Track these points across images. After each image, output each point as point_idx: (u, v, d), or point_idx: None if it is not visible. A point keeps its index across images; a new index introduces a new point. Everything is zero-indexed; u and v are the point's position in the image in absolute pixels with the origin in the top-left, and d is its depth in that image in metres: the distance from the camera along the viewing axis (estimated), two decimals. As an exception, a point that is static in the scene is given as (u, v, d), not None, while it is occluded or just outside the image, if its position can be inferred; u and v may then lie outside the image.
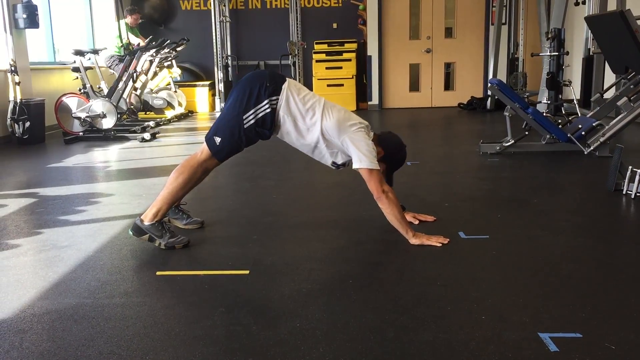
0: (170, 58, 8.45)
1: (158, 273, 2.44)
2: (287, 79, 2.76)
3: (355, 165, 2.70)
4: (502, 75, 9.44)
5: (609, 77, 6.65)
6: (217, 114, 9.50)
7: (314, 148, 2.78)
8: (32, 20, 6.63)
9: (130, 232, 2.76)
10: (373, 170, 2.66)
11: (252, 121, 2.67)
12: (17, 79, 6.37)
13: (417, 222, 3.04)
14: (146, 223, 2.72)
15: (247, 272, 2.42)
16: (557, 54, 5.77)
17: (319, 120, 2.70)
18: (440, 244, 2.68)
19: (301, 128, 2.72)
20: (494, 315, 1.96)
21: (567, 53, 6.01)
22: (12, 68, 6.37)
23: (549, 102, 5.88)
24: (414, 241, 2.70)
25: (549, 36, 5.84)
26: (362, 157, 2.65)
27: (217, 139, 2.69)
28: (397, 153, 2.92)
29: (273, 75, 2.75)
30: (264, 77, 2.72)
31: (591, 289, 2.19)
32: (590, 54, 7.16)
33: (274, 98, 2.67)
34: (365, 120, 2.83)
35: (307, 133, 2.73)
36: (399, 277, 2.38)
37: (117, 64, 7.78)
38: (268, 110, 2.67)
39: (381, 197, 2.68)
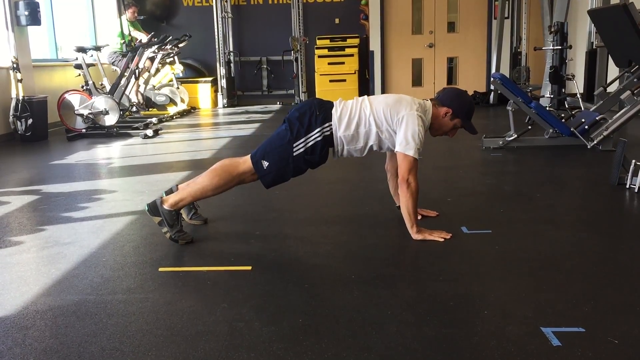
0: (172, 54, 8.44)
1: (160, 269, 2.44)
2: (334, 103, 2.79)
3: (396, 148, 2.69)
4: (505, 70, 9.41)
5: (613, 70, 6.63)
6: (220, 110, 9.51)
7: (379, 143, 2.77)
8: (34, 18, 6.64)
9: (146, 207, 2.75)
10: (409, 157, 2.65)
11: (302, 149, 2.70)
12: (19, 76, 6.37)
13: (420, 217, 3.04)
14: (165, 207, 2.71)
15: (249, 268, 2.42)
16: (560, 47, 5.75)
17: (372, 120, 2.71)
18: (443, 239, 2.67)
19: (361, 137, 2.74)
20: (496, 310, 1.96)
21: (570, 47, 5.99)
22: (14, 65, 6.38)
23: (552, 96, 5.87)
24: (416, 236, 2.70)
25: (552, 30, 5.82)
26: (404, 141, 2.65)
27: (265, 163, 2.71)
28: (463, 102, 2.85)
29: (322, 103, 2.78)
30: (313, 106, 2.75)
31: (594, 284, 2.19)
32: (594, 47, 7.13)
33: (326, 125, 2.71)
34: (420, 99, 2.81)
35: (368, 137, 2.74)
36: (401, 273, 2.38)
37: (119, 60, 7.79)
38: (319, 138, 2.70)
39: (404, 184, 2.67)
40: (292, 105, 10.05)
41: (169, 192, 2.92)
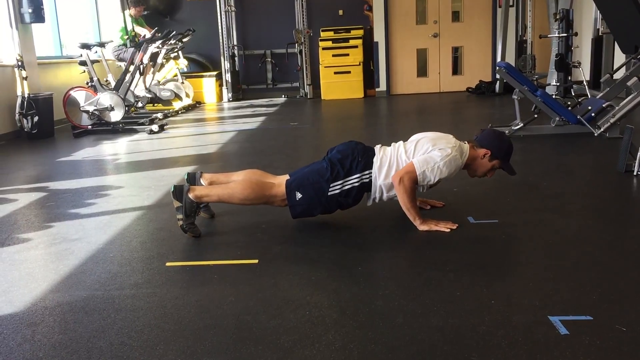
0: (176, 49, 8.44)
1: (167, 264, 2.45)
2: (375, 149, 2.82)
3: (413, 158, 2.72)
4: (511, 58, 9.35)
5: (619, 57, 6.57)
6: (225, 104, 9.51)
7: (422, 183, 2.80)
8: (38, 15, 6.64)
9: (172, 188, 2.77)
10: (413, 171, 2.66)
11: (338, 191, 2.74)
12: (24, 73, 6.39)
13: (427, 207, 3.03)
14: (191, 195, 2.73)
15: (256, 261, 2.43)
16: (565, 35, 5.71)
17: (411, 157, 2.74)
18: (449, 230, 2.67)
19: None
20: (503, 300, 1.96)
21: (576, 34, 5.94)
22: (19, 63, 6.40)
23: (558, 84, 5.84)
24: (422, 227, 2.70)
25: (557, 17, 5.77)
26: (424, 164, 2.66)
27: (298, 195, 2.74)
28: (502, 144, 2.84)
29: (365, 150, 2.81)
30: (355, 151, 2.79)
31: (602, 272, 2.18)
32: (600, 34, 7.08)
33: (366, 173, 2.75)
34: (457, 141, 2.82)
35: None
36: (408, 264, 2.38)
37: (124, 52, 7.79)
38: (357, 184, 2.75)
39: (396, 179, 2.68)
40: (297, 97, 10.05)
41: (192, 176, 2.97)
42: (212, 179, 2.99)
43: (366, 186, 2.77)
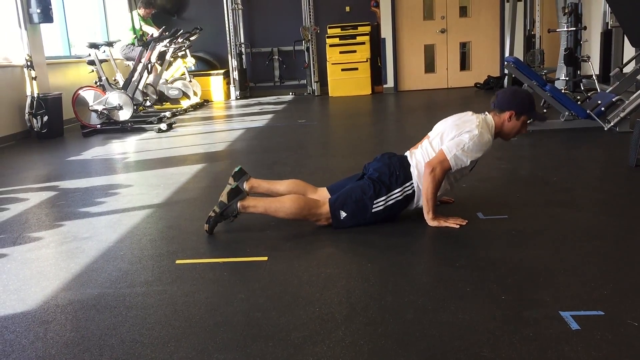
0: (184, 48, 8.46)
1: (177, 261, 2.46)
2: (406, 157, 2.83)
3: (443, 145, 2.72)
4: (519, 53, 9.30)
5: (629, 51, 6.52)
6: (232, 102, 9.52)
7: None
8: (46, 15, 6.67)
9: (233, 186, 2.80)
10: (445, 159, 2.67)
11: (382, 207, 2.75)
12: (33, 73, 6.42)
13: (437, 203, 3.02)
14: (239, 204, 2.74)
15: (265, 258, 2.43)
16: (574, 29, 5.67)
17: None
18: (458, 226, 2.66)
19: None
20: (514, 295, 1.95)
21: (585, 28, 5.90)
22: (28, 63, 6.43)
23: (567, 78, 5.80)
24: (432, 223, 2.69)
25: (566, 11, 5.73)
26: (453, 148, 2.67)
27: (343, 214, 2.74)
28: (521, 99, 2.82)
29: (400, 162, 2.81)
30: (391, 165, 2.79)
31: (613, 266, 2.17)
32: (609, 27, 7.03)
33: (408, 185, 2.77)
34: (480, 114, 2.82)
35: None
36: (418, 259, 2.38)
37: (132, 50, 7.82)
38: (400, 197, 2.76)
39: (428, 169, 2.68)
40: (305, 95, 10.04)
41: (242, 172, 3.00)
42: (255, 185, 3.00)
43: (410, 197, 2.78)
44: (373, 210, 2.74)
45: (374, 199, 2.73)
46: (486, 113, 2.84)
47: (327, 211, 2.74)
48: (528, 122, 2.86)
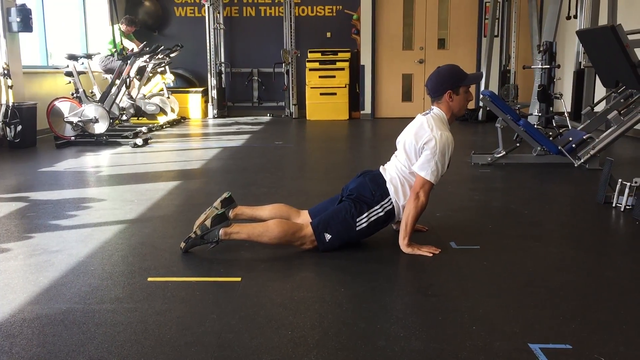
0: (163, 64, 8.44)
1: (149, 279, 2.43)
2: (381, 173, 2.86)
3: (414, 167, 2.75)
4: (494, 87, 9.50)
5: (600, 90, 6.72)
6: (210, 121, 9.49)
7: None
8: (26, 24, 6.62)
9: (220, 211, 2.82)
10: (425, 181, 2.71)
11: (365, 225, 2.77)
12: (9, 82, 6.34)
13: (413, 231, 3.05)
14: (221, 232, 2.71)
15: (239, 279, 2.42)
16: (548, 66, 5.82)
17: (410, 167, 2.79)
18: (432, 254, 2.69)
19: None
20: (484, 325, 1.97)
21: (559, 66, 6.06)
22: (5, 71, 6.35)
23: (540, 114, 5.93)
24: (406, 249, 2.72)
25: (541, 49, 5.89)
26: (426, 165, 2.71)
27: (328, 236, 2.74)
28: (448, 75, 2.82)
29: (373, 180, 2.85)
30: (366, 184, 2.82)
31: (581, 300, 2.21)
32: (582, 67, 7.23)
33: (386, 201, 2.80)
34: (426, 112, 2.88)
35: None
36: (391, 287, 2.39)
37: (111, 62, 7.77)
38: (381, 213, 2.79)
39: (413, 195, 2.73)
40: (283, 117, 10.07)
41: (230, 200, 2.98)
42: (238, 212, 2.98)
43: (390, 212, 2.80)
44: (358, 229, 2.76)
45: (357, 217, 2.75)
46: (432, 108, 2.88)
47: (311, 234, 2.74)
48: (467, 91, 2.86)
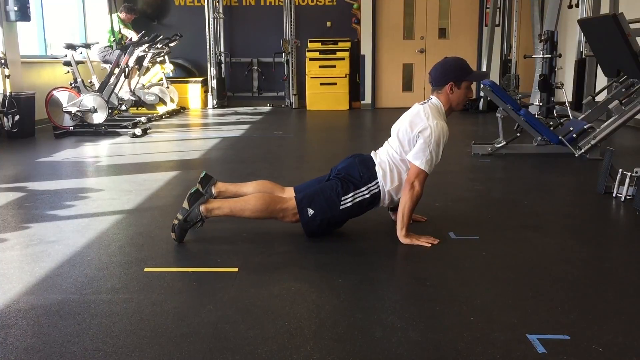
0: (162, 54, 8.40)
1: (146, 269, 2.42)
2: (372, 157, 2.85)
3: (408, 156, 2.74)
4: (495, 77, 9.46)
5: (601, 80, 6.68)
6: (209, 111, 9.47)
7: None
8: (24, 13, 6.57)
9: (192, 190, 2.77)
10: (420, 171, 2.70)
11: (349, 204, 2.76)
12: (7, 71, 6.31)
13: (410, 221, 3.03)
14: (202, 208, 2.71)
15: (236, 269, 2.41)
16: (549, 56, 5.78)
17: (404, 161, 2.78)
18: (430, 244, 2.67)
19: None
20: (482, 316, 1.96)
21: (560, 55, 6.02)
22: (2, 61, 6.31)
23: (541, 104, 5.90)
24: (404, 240, 2.70)
25: (542, 38, 5.84)
26: (420, 154, 2.70)
27: (310, 211, 2.74)
28: (454, 67, 2.81)
29: (363, 162, 2.85)
30: (358, 165, 2.82)
31: (580, 291, 2.20)
32: (583, 56, 7.19)
33: (373, 183, 2.78)
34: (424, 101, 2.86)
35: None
36: (389, 277, 2.37)
37: (110, 54, 7.73)
38: (367, 195, 2.78)
39: (408, 185, 2.72)
40: (282, 107, 10.04)
41: (208, 178, 2.98)
42: (223, 189, 2.98)
43: (376, 195, 2.80)
44: (341, 207, 2.74)
45: (342, 195, 2.74)
46: (430, 97, 2.87)
47: (294, 206, 2.73)
48: (469, 87, 2.86)
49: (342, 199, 2.75)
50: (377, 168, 2.80)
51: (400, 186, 2.79)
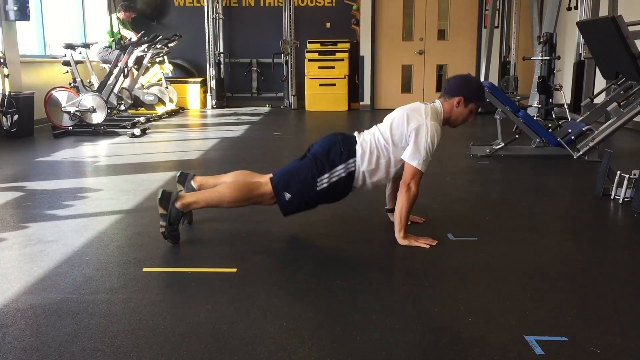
0: (162, 54, 8.40)
1: (144, 269, 2.42)
2: (355, 136, 2.82)
3: (403, 156, 2.73)
4: (494, 79, 9.46)
5: (600, 82, 6.69)
6: (208, 111, 9.47)
7: (400, 167, 2.80)
8: (23, 13, 6.57)
9: (160, 194, 2.71)
10: (416, 171, 2.70)
11: (326, 185, 2.72)
12: (6, 71, 6.30)
13: (408, 222, 3.03)
14: (177, 204, 2.68)
15: (234, 270, 2.41)
16: (548, 58, 5.78)
17: (388, 147, 2.75)
18: (428, 246, 2.68)
19: (382, 168, 2.78)
20: (480, 317, 1.96)
21: (559, 57, 6.02)
22: (2, 60, 6.31)
23: (539, 106, 5.90)
24: (402, 241, 2.70)
25: (541, 40, 5.85)
26: (413, 152, 2.68)
27: (287, 195, 2.72)
28: (472, 87, 2.86)
29: (345, 139, 2.80)
30: (337, 142, 2.78)
31: (578, 293, 2.20)
32: (582, 59, 7.19)
33: (351, 161, 2.74)
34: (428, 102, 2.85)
35: (389, 166, 2.78)
36: (387, 278, 2.38)
37: (109, 54, 7.73)
38: (343, 174, 2.73)
39: (404, 187, 2.71)
40: (282, 107, 10.04)
41: (185, 176, 2.96)
42: (202, 182, 2.98)
43: (352, 175, 2.76)
44: (318, 189, 2.71)
45: (317, 176, 2.71)
46: (435, 101, 2.87)
47: (270, 190, 2.72)
48: (474, 111, 2.88)
49: (318, 180, 2.71)
50: (357, 147, 2.76)
51: (376, 170, 2.75)
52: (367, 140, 2.78)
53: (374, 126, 2.87)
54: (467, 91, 2.82)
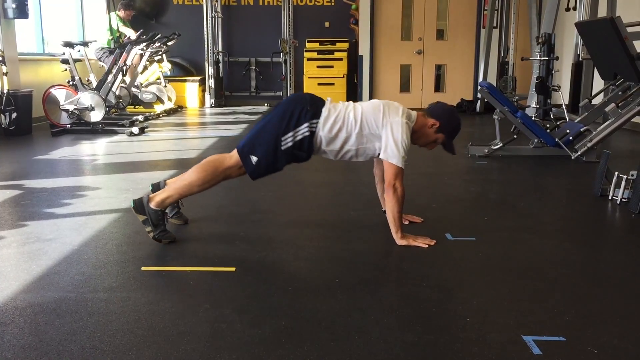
0: (160, 52, 8.40)
1: (143, 268, 2.42)
2: (326, 101, 2.79)
3: (381, 155, 2.71)
4: (492, 79, 9.47)
5: (598, 83, 6.70)
6: (207, 110, 9.46)
7: (357, 151, 2.77)
8: (22, 10, 6.57)
9: (132, 204, 2.71)
10: (394, 166, 2.67)
11: (290, 143, 2.68)
12: (4, 69, 6.29)
13: (406, 222, 3.04)
14: (152, 205, 2.68)
15: (233, 269, 2.41)
16: (547, 58, 5.80)
17: (355, 125, 2.71)
18: (427, 245, 2.68)
19: (339, 141, 2.73)
20: (478, 317, 1.97)
21: (557, 58, 6.04)
22: (0, 58, 6.30)
23: (537, 106, 5.91)
24: (400, 242, 2.71)
25: (540, 41, 5.86)
26: (389, 149, 2.67)
27: (254, 159, 2.69)
28: (452, 120, 2.87)
29: (313, 100, 2.77)
30: (304, 101, 2.74)
31: (576, 293, 2.21)
32: (580, 59, 7.20)
33: (314, 121, 2.70)
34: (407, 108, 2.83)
35: (346, 142, 2.74)
36: (385, 278, 2.38)
37: (107, 56, 7.73)
38: (307, 133, 2.69)
39: (390, 189, 2.69)
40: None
41: (157, 186, 2.92)
42: (172, 180, 2.95)
43: (314, 133, 2.71)
44: (282, 148, 2.68)
45: (282, 135, 2.67)
46: (417, 112, 2.86)
47: (237, 160, 2.70)
48: (439, 143, 2.88)
49: (282, 139, 2.67)
50: (324, 109, 2.72)
51: (333, 140, 2.71)
52: (337, 108, 2.75)
53: (351, 102, 2.83)
54: (446, 122, 2.83)
